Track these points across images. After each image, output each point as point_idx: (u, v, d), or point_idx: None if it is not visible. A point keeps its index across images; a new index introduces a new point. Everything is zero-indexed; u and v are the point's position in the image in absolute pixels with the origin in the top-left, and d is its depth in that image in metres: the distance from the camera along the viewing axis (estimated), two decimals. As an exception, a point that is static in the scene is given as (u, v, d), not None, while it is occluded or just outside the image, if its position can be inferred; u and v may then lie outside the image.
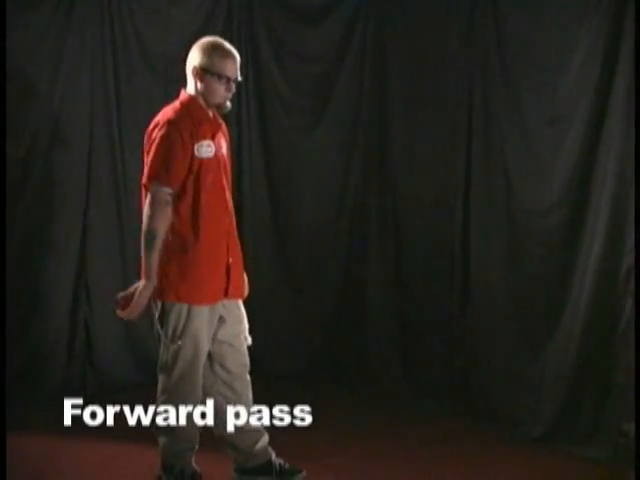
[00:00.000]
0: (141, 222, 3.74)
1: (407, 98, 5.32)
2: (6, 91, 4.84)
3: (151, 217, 3.52)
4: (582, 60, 4.30)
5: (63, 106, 5.11)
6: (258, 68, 5.63)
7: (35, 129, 5.06)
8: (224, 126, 3.85)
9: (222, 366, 3.78)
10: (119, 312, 3.65)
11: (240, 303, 3.85)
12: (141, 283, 3.56)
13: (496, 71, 4.79)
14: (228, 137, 3.88)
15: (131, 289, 3.60)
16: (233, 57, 3.66)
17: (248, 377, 3.86)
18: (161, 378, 3.74)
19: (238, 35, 5.52)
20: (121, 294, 3.64)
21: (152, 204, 3.53)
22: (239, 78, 3.70)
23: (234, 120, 5.41)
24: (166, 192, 3.53)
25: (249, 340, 3.86)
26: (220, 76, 3.62)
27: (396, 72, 5.38)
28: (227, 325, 3.76)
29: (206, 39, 3.70)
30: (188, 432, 3.75)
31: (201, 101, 3.66)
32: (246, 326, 3.86)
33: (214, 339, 3.75)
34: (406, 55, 5.30)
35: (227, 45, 3.70)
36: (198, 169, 3.59)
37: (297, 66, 5.67)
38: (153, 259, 3.53)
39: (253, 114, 5.65)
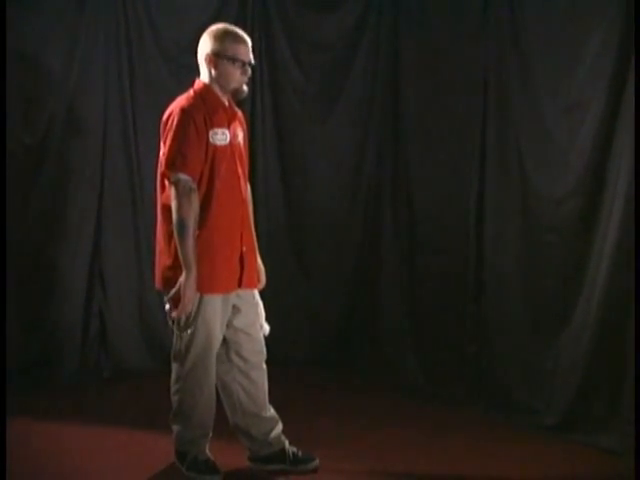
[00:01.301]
0: (154, 209, 3.76)
1: (421, 85, 5.30)
2: (21, 78, 4.89)
3: (178, 207, 3.49)
4: (597, 48, 4.27)
5: (77, 93, 5.12)
6: (272, 56, 5.61)
7: (50, 116, 5.07)
8: (241, 115, 3.84)
9: (238, 354, 3.79)
10: (173, 314, 3.59)
11: (256, 292, 3.85)
12: (182, 276, 3.52)
13: (511, 57, 4.76)
14: (245, 126, 3.87)
15: (176, 287, 3.55)
16: (245, 41, 3.65)
17: (264, 366, 3.87)
18: (174, 366, 3.76)
19: (252, 23, 5.51)
20: (168, 296, 3.59)
21: (177, 195, 3.50)
22: (252, 61, 3.69)
23: (248, 108, 5.41)
24: (187, 180, 3.51)
25: (266, 329, 3.86)
26: (235, 60, 3.61)
27: (410, 59, 5.36)
28: (242, 314, 3.77)
29: (215, 26, 3.69)
30: (202, 419, 3.77)
31: (216, 88, 3.65)
32: (262, 314, 3.86)
33: (230, 326, 3.75)
34: (420, 42, 5.28)
35: (238, 30, 3.70)
36: (212, 156, 3.58)
37: (311, 54, 5.65)
38: (188, 248, 3.49)
39: (267, 102, 5.64)
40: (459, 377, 5.02)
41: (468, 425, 4.59)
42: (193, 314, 3.62)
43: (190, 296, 3.54)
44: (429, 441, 4.35)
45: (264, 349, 3.87)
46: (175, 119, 3.55)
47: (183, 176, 3.52)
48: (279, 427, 3.91)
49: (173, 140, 3.54)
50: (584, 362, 4.32)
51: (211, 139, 3.58)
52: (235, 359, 3.80)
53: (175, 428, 3.81)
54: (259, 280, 3.88)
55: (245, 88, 3.70)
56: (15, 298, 4.90)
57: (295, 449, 3.91)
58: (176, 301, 3.56)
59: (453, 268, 5.11)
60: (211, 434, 3.84)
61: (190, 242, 3.50)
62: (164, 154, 3.58)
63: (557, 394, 4.46)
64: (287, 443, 3.92)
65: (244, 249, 3.71)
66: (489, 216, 4.93)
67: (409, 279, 5.39)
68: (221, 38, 3.62)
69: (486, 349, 4.94)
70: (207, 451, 3.83)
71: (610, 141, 4.23)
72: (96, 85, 5.18)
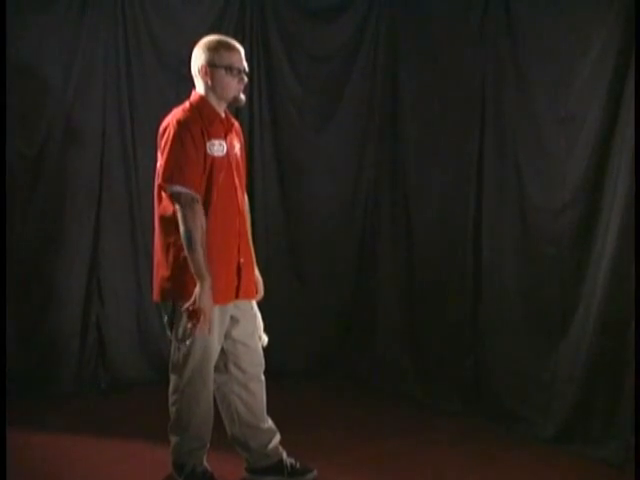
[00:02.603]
0: (153, 220, 3.75)
1: (419, 96, 5.31)
2: (20, 90, 4.89)
3: (183, 220, 3.48)
4: (595, 58, 4.27)
5: (76, 104, 5.13)
6: (270, 67, 5.62)
7: (48, 127, 5.08)
8: (238, 126, 3.84)
9: (237, 366, 3.79)
10: (199, 329, 3.51)
11: (254, 303, 3.85)
12: (197, 287, 3.48)
13: (508, 70, 4.77)
14: (242, 137, 3.87)
15: (191, 301, 3.50)
16: (238, 49, 3.66)
17: (263, 377, 3.86)
18: (173, 378, 3.75)
19: (250, 34, 5.52)
20: (184, 308, 3.52)
21: (180, 208, 3.50)
22: (247, 69, 3.70)
23: (246, 119, 5.42)
24: (188, 192, 3.50)
25: (264, 340, 3.85)
26: (230, 68, 3.61)
27: (408, 70, 5.38)
28: (240, 325, 3.76)
29: (207, 38, 3.70)
30: (199, 431, 3.76)
31: (212, 100, 3.65)
32: (261, 326, 3.86)
33: (228, 338, 3.75)
34: (418, 53, 5.30)
35: (230, 39, 3.71)
36: (210, 167, 3.58)
37: (309, 65, 5.66)
38: (199, 259, 3.47)
39: (265, 113, 5.63)
40: (457, 388, 5.02)
41: (466, 436, 4.58)
42: (186, 327, 3.60)
43: (208, 305, 3.50)
44: (428, 452, 4.34)
45: (263, 360, 3.87)
46: (172, 131, 3.55)
47: (183, 189, 3.51)
48: (277, 438, 3.90)
49: (170, 153, 3.53)
50: (582, 373, 4.31)
51: (209, 150, 3.57)
52: (233, 370, 3.80)
53: (173, 439, 3.79)
54: (257, 291, 3.88)
55: (242, 96, 3.71)
56: (13, 309, 4.90)
57: (293, 460, 3.91)
58: (192, 313, 3.51)
59: (451, 280, 5.11)
60: (209, 445, 3.83)
61: (200, 252, 3.48)
62: (161, 166, 3.59)
63: (555, 405, 4.46)
64: (285, 454, 3.91)
65: (241, 260, 3.71)
66: (487, 228, 4.93)
67: (407, 291, 5.39)
68: (215, 48, 3.63)
69: (484, 360, 4.93)
70: (205, 462, 3.82)
71: (607, 152, 4.23)
72: (95, 96, 5.18)
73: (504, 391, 4.77)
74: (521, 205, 4.71)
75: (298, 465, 3.90)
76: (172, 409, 3.77)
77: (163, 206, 3.61)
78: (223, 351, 3.76)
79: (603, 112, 4.24)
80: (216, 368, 3.76)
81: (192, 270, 3.49)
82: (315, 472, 3.90)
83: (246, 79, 3.69)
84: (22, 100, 4.93)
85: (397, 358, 5.37)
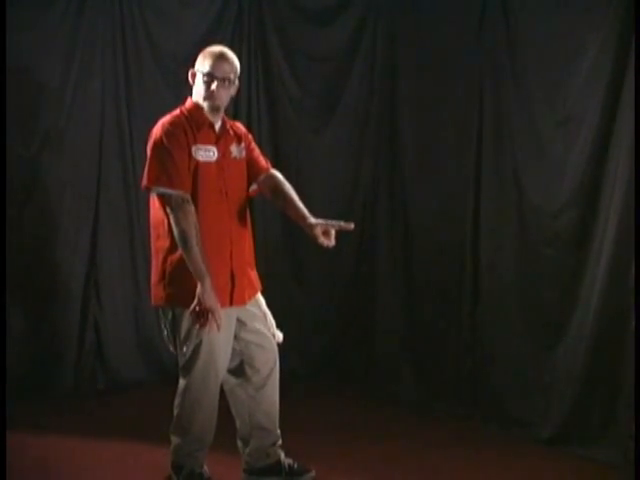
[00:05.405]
0: (148, 221, 3.75)
1: (417, 98, 5.31)
2: (18, 90, 4.89)
3: (176, 222, 3.49)
4: (593, 60, 4.28)
5: (74, 106, 5.14)
6: (268, 69, 5.62)
7: (46, 129, 5.08)
8: (242, 130, 3.82)
9: (251, 366, 3.78)
10: (209, 328, 3.50)
11: (261, 302, 3.83)
12: (198, 287, 3.48)
13: (506, 72, 4.78)
14: (248, 139, 3.82)
15: (195, 302, 3.48)
16: (225, 59, 3.64)
17: (277, 375, 3.84)
18: (180, 381, 3.74)
19: (248, 36, 5.52)
20: (190, 311, 3.51)
21: (171, 210, 3.51)
22: (233, 80, 3.66)
23: (244, 120, 5.42)
24: (178, 194, 3.50)
25: (279, 336, 3.84)
26: (210, 75, 3.59)
27: (406, 72, 5.38)
28: (248, 326, 3.75)
29: (208, 47, 3.71)
30: (200, 434, 3.74)
31: (205, 106, 3.64)
32: (273, 324, 3.84)
33: (240, 340, 3.74)
34: (416, 55, 5.30)
35: (224, 49, 3.70)
36: (194, 171, 3.57)
37: (307, 66, 5.67)
38: (196, 259, 3.47)
39: (263, 114, 5.65)
40: (456, 391, 5.02)
41: (465, 438, 4.57)
42: (193, 331, 3.58)
43: (213, 303, 3.49)
44: (426, 454, 4.34)
45: (277, 359, 3.84)
46: (157, 134, 3.56)
47: (172, 191, 3.51)
48: (279, 441, 3.90)
49: (155, 155, 3.55)
50: (581, 374, 4.32)
51: (193, 154, 3.57)
52: (249, 371, 3.78)
53: (174, 440, 3.76)
54: (257, 287, 3.84)
55: (219, 103, 3.64)
56: (11, 310, 4.89)
57: (291, 461, 3.90)
58: (199, 314, 3.50)
59: (449, 282, 5.11)
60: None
61: (196, 251, 3.47)
62: (146, 168, 3.59)
63: (554, 407, 4.46)
64: (283, 455, 3.90)
65: (235, 267, 3.67)
66: (485, 230, 4.93)
67: (406, 294, 5.39)
68: (203, 56, 3.64)
69: (483, 362, 4.93)
70: (204, 465, 3.80)
71: (605, 153, 4.24)
72: (93, 98, 5.19)
73: (502, 392, 4.76)
74: (519, 206, 4.71)
75: (296, 466, 3.89)
76: (175, 410, 3.75)
77: (153, 210, 3.64)
78: (236, 353, 3.75)
79: (601, 113, 4.25)
80: (231, 370, 3.76)
81: (191, 270, 3.49)
82: (313, 472, 3.89)
83: (233, 91, 3.68)
84: (20, 101, 4.93)
85: (395, 359, 5.37)
